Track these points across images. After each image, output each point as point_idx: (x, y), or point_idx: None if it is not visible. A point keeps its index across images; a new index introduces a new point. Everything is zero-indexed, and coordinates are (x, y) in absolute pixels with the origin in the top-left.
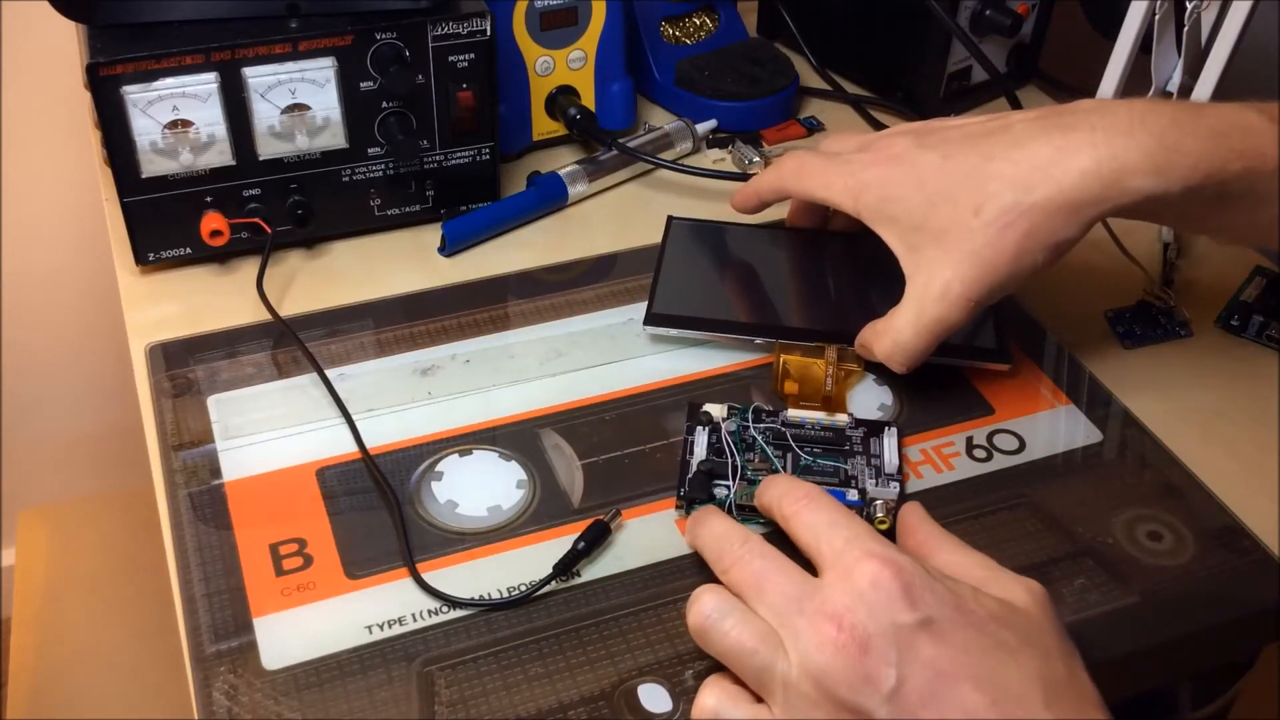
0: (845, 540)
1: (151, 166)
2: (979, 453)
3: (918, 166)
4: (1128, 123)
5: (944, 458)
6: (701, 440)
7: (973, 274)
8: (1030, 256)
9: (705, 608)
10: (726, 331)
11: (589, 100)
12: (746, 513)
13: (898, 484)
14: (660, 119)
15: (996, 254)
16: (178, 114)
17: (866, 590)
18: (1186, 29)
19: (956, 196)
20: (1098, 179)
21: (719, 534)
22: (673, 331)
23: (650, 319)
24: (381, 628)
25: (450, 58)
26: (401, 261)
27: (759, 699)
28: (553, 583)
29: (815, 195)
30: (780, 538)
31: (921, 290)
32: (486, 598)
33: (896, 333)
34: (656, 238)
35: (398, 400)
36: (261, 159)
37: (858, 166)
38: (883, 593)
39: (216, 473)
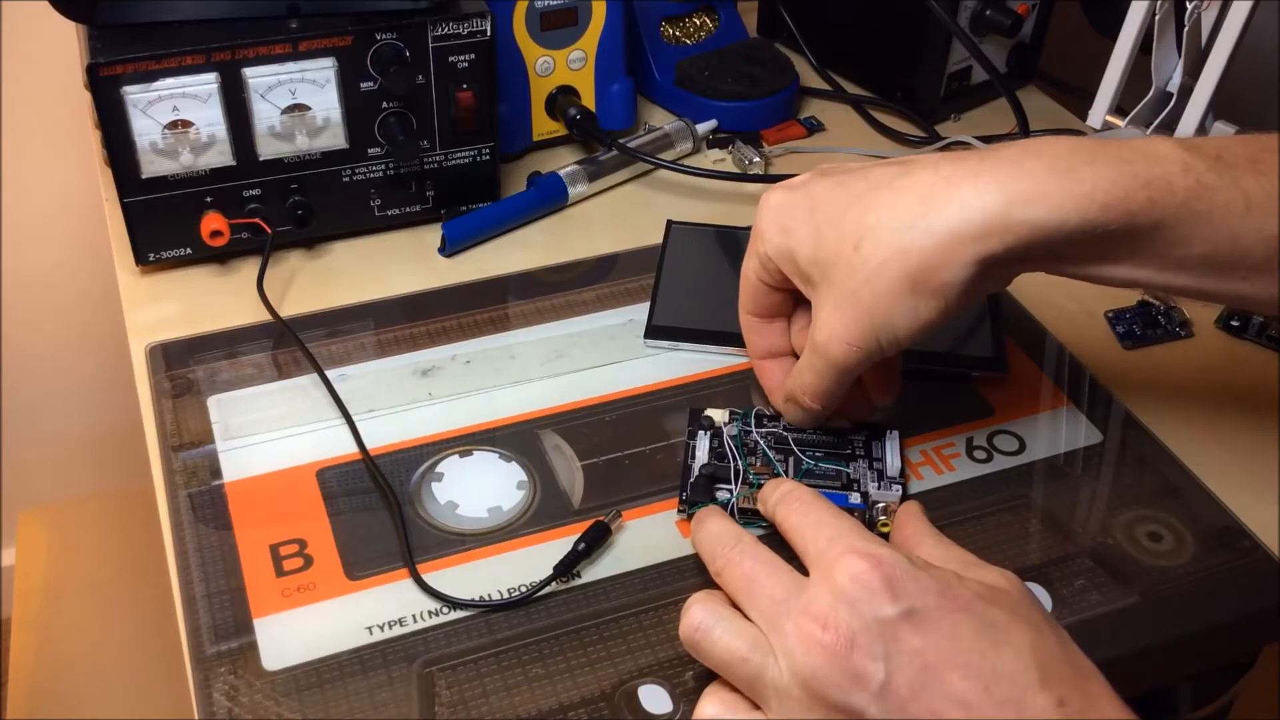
0: (829, 539)
1: (151, 166)
2: (979, 454)
3: (812, 193)
4: (1019, 153)
5: (944, 459)
6: (703, 444)
7: (851, 314)
8: (913, 300)
9: (695, 619)
10: (727, 344)
11: (589, 100)
12: (749, 515)
13: (900, 487)
14: (660, 119)
15: (874, 295)
16: (178, 114)
17: (848, 586)
18: (1186, 29)
19: (841, 227)
20: (980, 210)
21: (713, 535)
22: (673, 344)
23: (651, 332)
24: (382, 628)
25: (450, 58)
26: (401, 261)
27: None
28: (553, 584)
29: (746, 273)
30: (780, 540)
31: (814, 331)
32: (487, 599)
33: (800, 373)
34: (656, 238)
35: (398, 401)
36: (261, 159)
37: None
38: (864, 587)
39: (216, 473)
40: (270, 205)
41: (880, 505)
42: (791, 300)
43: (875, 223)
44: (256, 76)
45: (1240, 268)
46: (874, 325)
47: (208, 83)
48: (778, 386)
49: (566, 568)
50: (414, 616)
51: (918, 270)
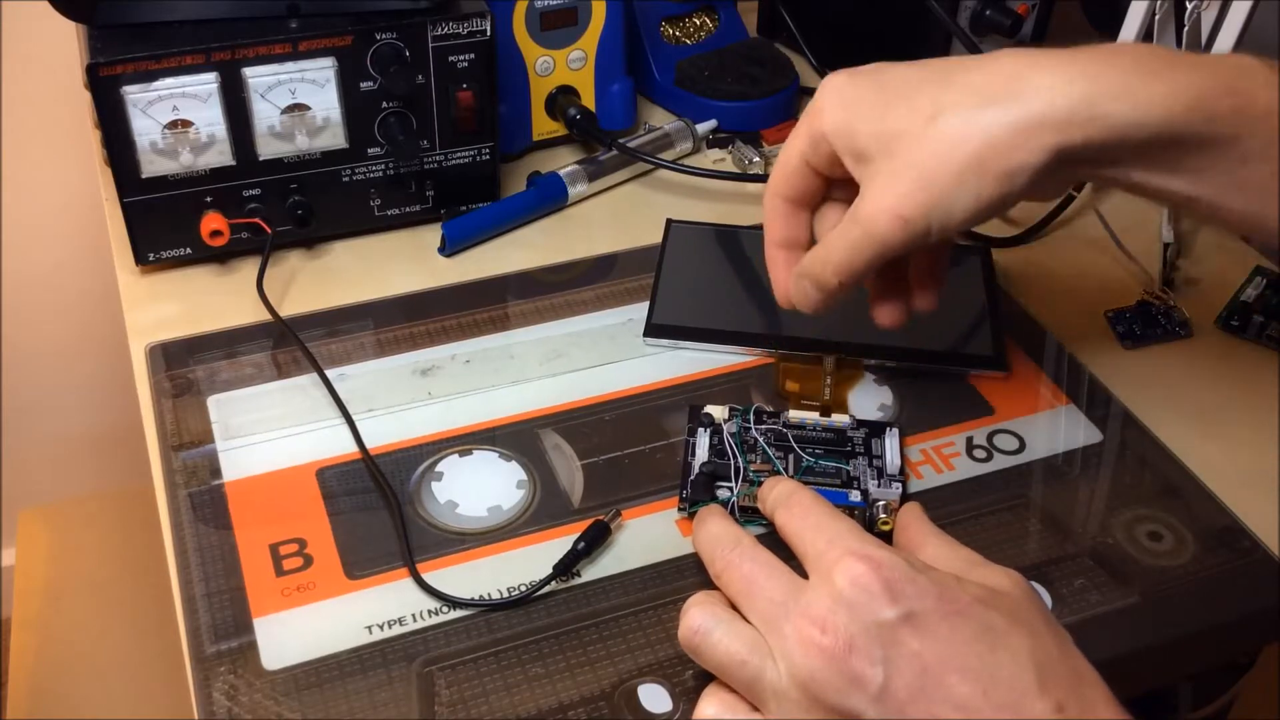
0: (828, 541)
1: (151, 166)
2: (979, 453)
3: (882, 72)
4: (1108, 52)
5: (944, 458)
6: (703, 442)
7: (908, 187)
8: (978, 180)
9: (694, 622)
10: (726, 343)
11: (589, 100)
12: (749, 514)
13: (900, 484)
14: (660, 119)
15: (941, 167)
16: (178, 114)
17: (847, 589)
18: (1186, 29)
19: (914, 98)
20: (1066, 98)
21: (713, 536)
22: (673, 343)
23: (650, 330)
24: (381, 628)
25: (450, 58)
26: (401, 261)
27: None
28: (553, 583)
29: (789, 153)
30: (781, 540)
31: (859, 204)
32: (486, 598)
33: (827, 246)
34: (656, 238)
35: (398, 400)
36: (261, 159)
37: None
38: (863, 590)
39: (216, 473)
40: (270, 205)
41: (880, 503)
42: (825, 188)
43: (955, 100)
44: (256, 76)
45: None
46: (930, 201)
47: (208, 83)
48: (786, 281)
49: (566, 567)
50: (414, 616)
51: (992, 148)
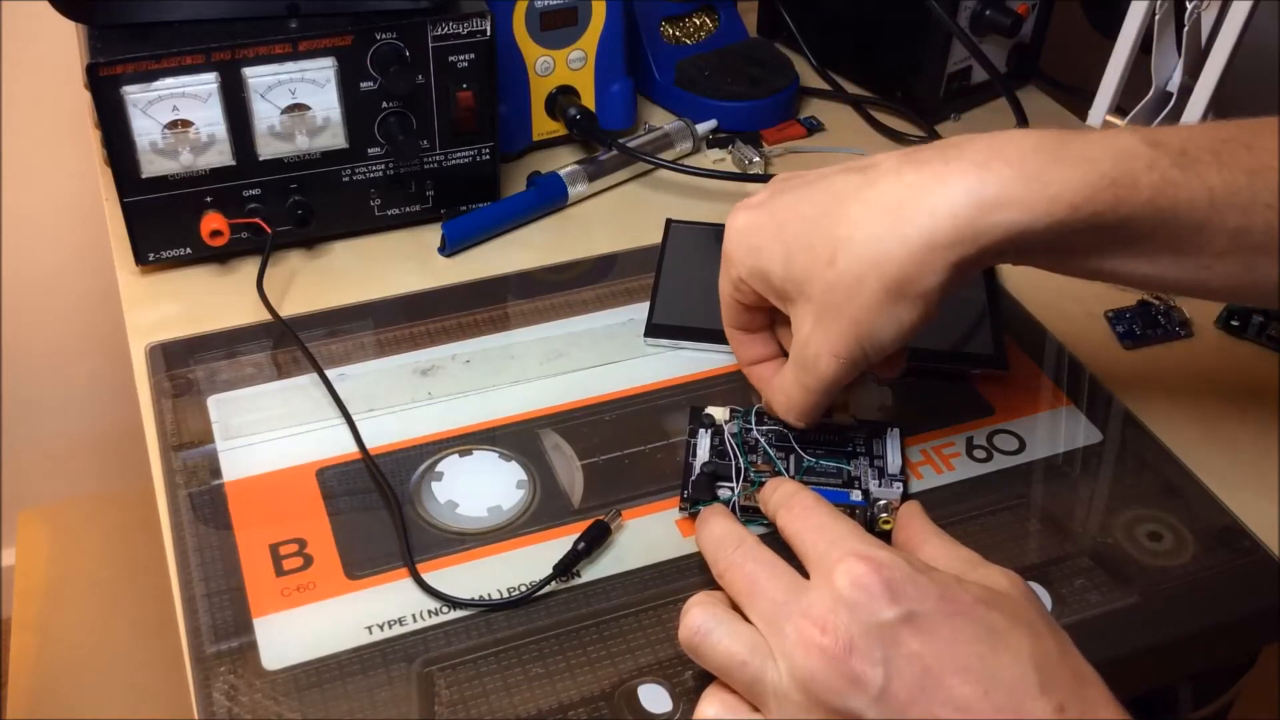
0: (829, 542)
1: (151, 166)
2: (979, 453)
3: (776, 211)
4: (985, 154)
5: (944, 458)
6: (704, 442)
7: (836, 331)
8: (893, 308)
9: (694, 622)
10: (726, 343)
11: (589, 100)
12: (750, 513)
13: (901, 484)
14: (660, 119)
15: (858, 309)
16: (178, 114)
17: (847, 590)
18: (1186, 29)
19: (812, 243)
20: (950, 218)
21: (717, 536)
22: (674, 343)
23: (651, 330)
24: (381, 628)
25: (450, 58)
26: (401, 261)
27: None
28: (553, 583)
29: (724, 295)
30: (780, 541)
31: (799, 347)
32: (486, 598)
33: (785, 392)
34: (656, 238)
35: (398, 400)
36: (261, 159)
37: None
38: (863, 591)
39: (216, 473)
40: (270, 205)
41: (881, 503)
42: (770, 314)
43: (847, 236)
44: (256, 76)
45: (1204, 256)
46: (859, 336)
47: (208, 83)
48: (771, 388)
49: (566, 567)
50: (414, 616)
51: (896, 280)
